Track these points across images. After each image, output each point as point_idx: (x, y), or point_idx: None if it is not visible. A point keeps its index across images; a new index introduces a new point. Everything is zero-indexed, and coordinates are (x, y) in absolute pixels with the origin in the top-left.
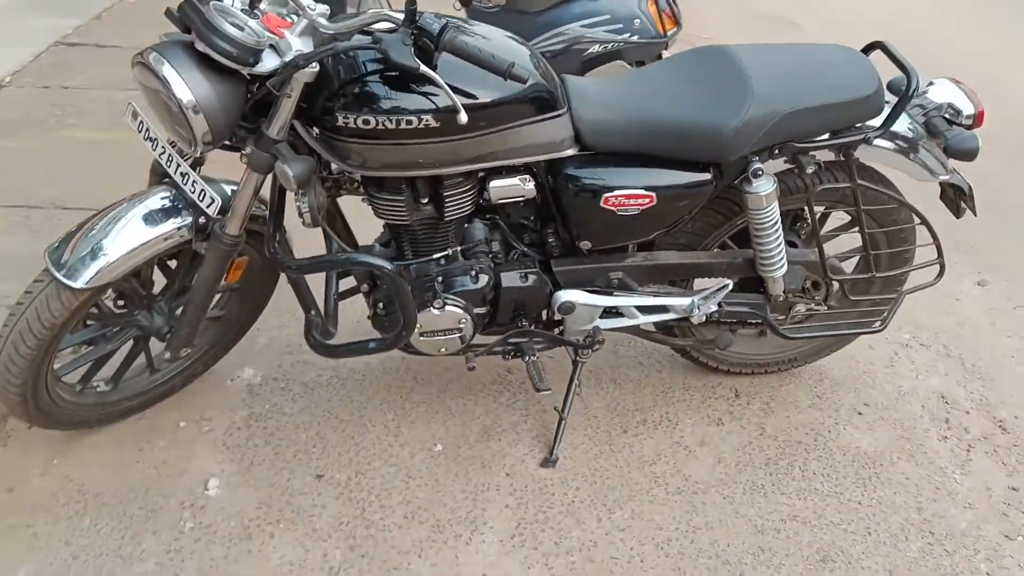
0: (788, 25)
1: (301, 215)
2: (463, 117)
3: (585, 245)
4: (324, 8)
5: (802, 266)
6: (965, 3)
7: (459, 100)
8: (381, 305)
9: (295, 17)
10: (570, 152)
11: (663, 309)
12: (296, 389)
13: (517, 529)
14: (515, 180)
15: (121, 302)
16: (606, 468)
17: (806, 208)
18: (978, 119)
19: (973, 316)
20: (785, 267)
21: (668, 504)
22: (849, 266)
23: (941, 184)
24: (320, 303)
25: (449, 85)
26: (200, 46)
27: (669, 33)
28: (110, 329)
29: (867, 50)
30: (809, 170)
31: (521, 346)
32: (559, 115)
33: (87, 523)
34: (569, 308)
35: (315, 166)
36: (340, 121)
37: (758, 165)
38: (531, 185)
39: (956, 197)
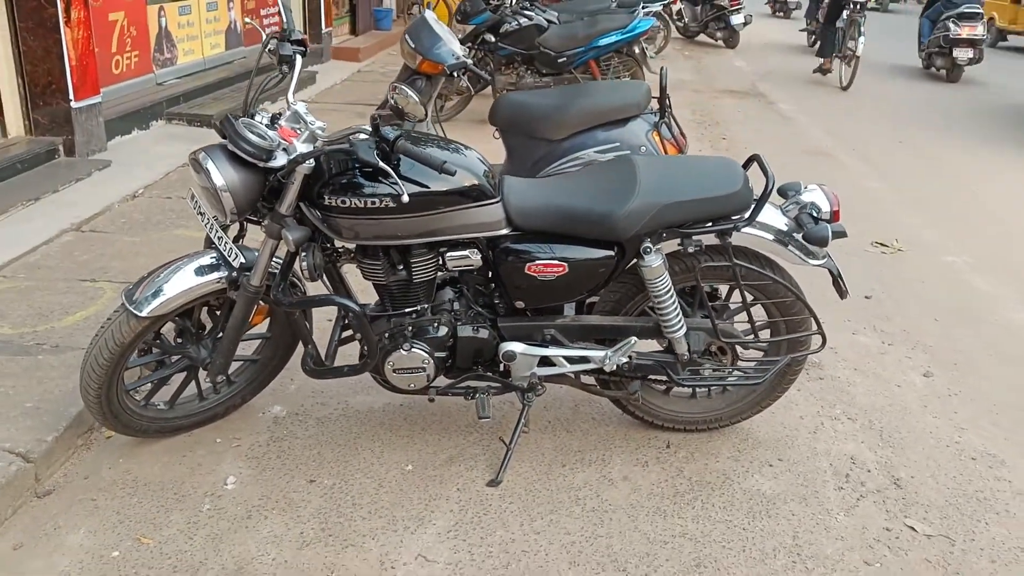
0: (827, 158)
1: (302, 271)
2: (405, 198)
3: (520, 305)
4: (322, 124)
5: (703, 331)
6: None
7: (413, 188)
8: (367, 349)
9: (301, 129)
10: (503, 231)
11: (584, 360)
12: (311, 422)
13: (454, 527)
14: (465, 252)
15: (179, 338)
16: (539, 490)
17: (708, 283)
18: (834, 216)
19: (908, 400)
20: (683, 330)
21: (581, 518)
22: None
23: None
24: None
25: (407, 177)
26: (231, 147)
27: None
28: (168, 357)
29: (747, 163)
30: (691, 250)
31: (478, 388)
32: (493, 203)
33: (134, 501)
34: (511, 356)
35: (310, 235)
36: (327, 201)
37: (648, 244)
38: (477, 256)
39: (835, 280)
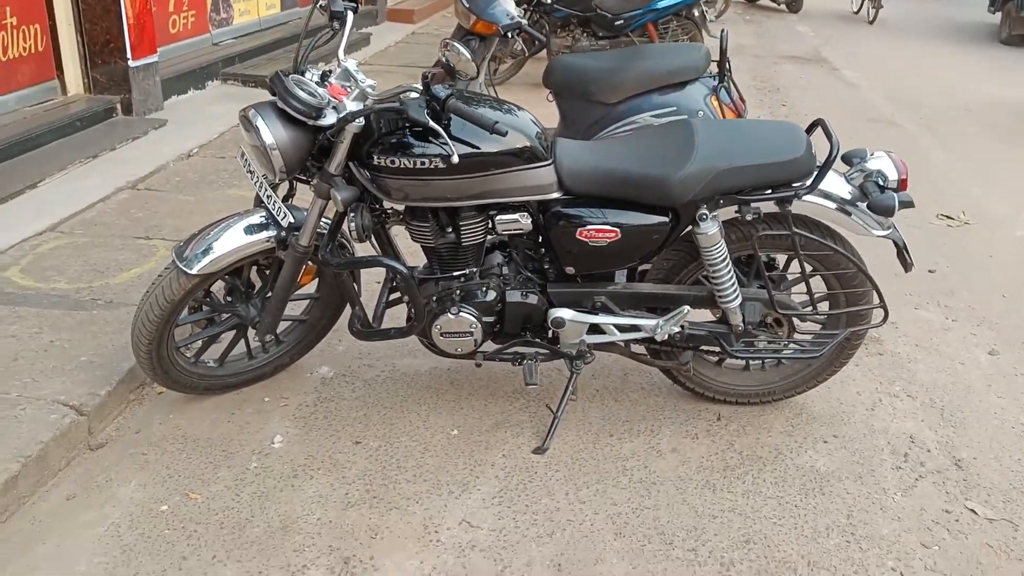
0: (891, 127)
1: (351, 232)
2: (455, 159)
3: (570, 271)
4: (373, 82)
5: (758, 302)
6: None
7: (464, 149)
8: (413, 310)
9: (352, 87)
10: (555, 195)
11: (635, 328)
12: (358, 383)
13: (499, 493)
14: (515, 216)
15: (229, 296)
16: (585, 459)
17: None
18: (902, 184)
19: (971, 379)
20: (739, 300)
21: (628, 489)
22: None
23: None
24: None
25: (457, 138)
26: (281, 105)
27: None
28: (218, 315)
29: (810, 128)
30: (749, 218)
31: (525, 355)
32: (545, 165)
33: (183, 456)
34: (560, 323)
35: (359, 195)
36: (376, 161)
37: (704, 211)
38: (528, 221)
39: (900, 252)
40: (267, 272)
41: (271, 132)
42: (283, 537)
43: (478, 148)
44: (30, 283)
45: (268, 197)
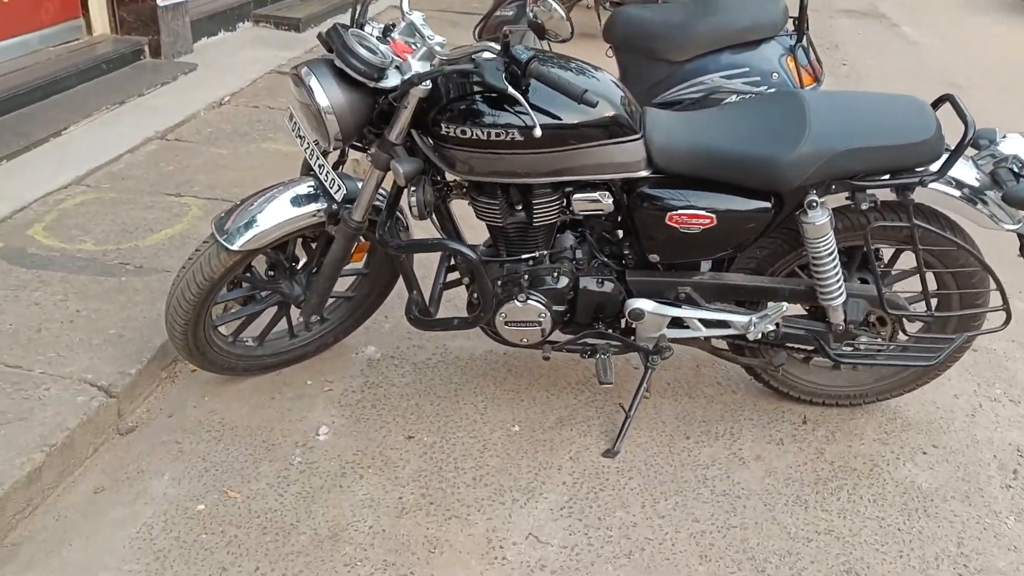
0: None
1: (411, 208)
2: (537, 132)
3: (654, 258)
4: (441, 39)
5: (864, 299)
6: None
7: (544, 119)
8: (476, 295)
9: (418, 44)
10: (643, 173)
11: (724, 324)
12: (407, 367)
13: (568, 503)
14: (595, 195)
15: (272, 271)
16: (661, 465)
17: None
18: None
19: None
20: (843, 297)
21: (711, 503)
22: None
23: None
24: (428, 291)
25: (537, 107)
26: (338, 63)
27: (807, 88)
28: (259, 292)
29: (937, 103)
30: (864, 207)
31: (596, 346)
32: (634, 139)
33: (220, 447)
34: (639, 315)
35: (422, 168)
36: (444, 130)
37: (814, 197)
38: (609, 201)
39: None
40: (313, 245)
41: (326, 94)
42: (332, 547)
43: (559, 118)
44: (55, 243)
45: (320, 166)
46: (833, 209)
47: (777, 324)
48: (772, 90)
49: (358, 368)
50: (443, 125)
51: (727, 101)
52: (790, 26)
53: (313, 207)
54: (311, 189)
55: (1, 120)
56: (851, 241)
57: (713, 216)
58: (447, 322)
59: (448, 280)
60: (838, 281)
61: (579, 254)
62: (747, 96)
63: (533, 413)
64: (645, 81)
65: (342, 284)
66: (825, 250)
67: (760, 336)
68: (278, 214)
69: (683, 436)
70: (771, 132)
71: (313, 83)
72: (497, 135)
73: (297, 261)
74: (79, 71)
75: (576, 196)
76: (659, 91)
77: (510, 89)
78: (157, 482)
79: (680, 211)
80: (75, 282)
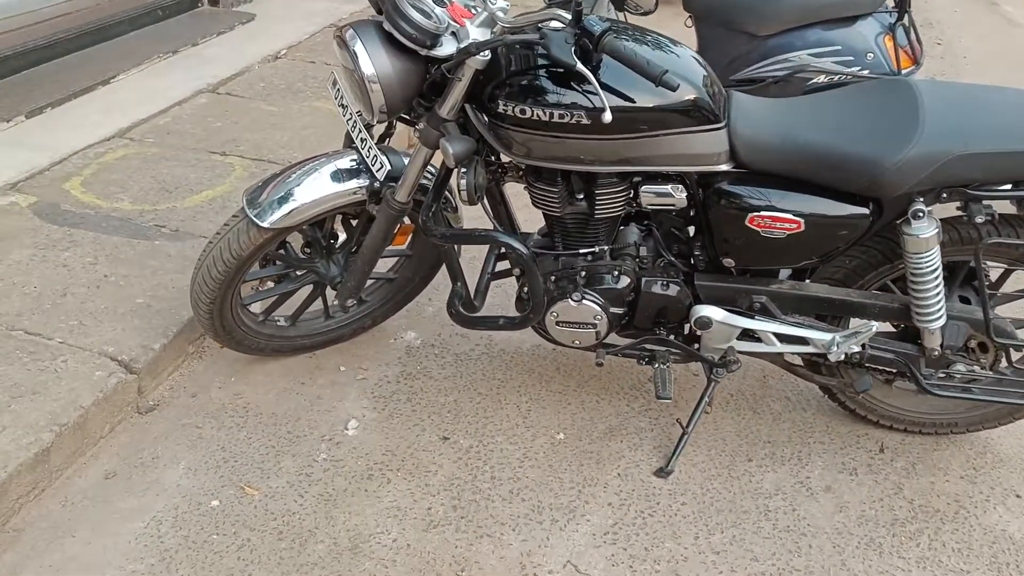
0: None
1: (460, 191)
2: (607, 116)
3: (728, 263)
4: (504, 4)
5: (965, 323)
6: None
7: (615, 101)
8: (526, 289)
9: (477, 9)
10: (724, 167)
11: (802, 341)
12: (448, 357)
13: (612, 527)
14: (667, 188)
15: (308, 249)
16: (718, 490)
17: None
18: None
19: None
20: (943, 320)
21: (772, 539)
22: None
23: None
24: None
25: (608, 87)
26: (387, 26)
27: (904, 72)
28: (293, 271)
29: None
30: (979, 220)
31: (655, 353)
32: (716, 129)
33: (243, 435)
34: (706, 323)
35: (475, 148)
36: (501, 108)
37: (921, 206)
38: (683, 195)
39: None
40: (354, 223)
41: (372, 61)
42: (351, 560)
43: (633, 101)
44: (91, 199)
45: (362, 140)
46: (941, 220)
47: (863, 345)
48: (865, 72)
49: (395, 356)
50: (501, 102)
51: (813, 82)
52: (890, 2)
53: (354, 183)
54: (353, 163)
55: (48, 66)
56: (957, 256)
57: (801, 221)
58: (492, 321)
59: (497, 270)
60: (939, 301)
61: (643, 251)
62: (836, 78)
63: (581, 419)
64: (724, 55)
65: (383, 264)
66: (928, 267)
67: (843, 357)
68: (315, 190)
69: (745, 458)
70: (876, 128)
71: (358, 48)
72: (561, 116)
73: (336, 238)
74: (132, 17)
75: (645, 188)
76: (738, 67)
77: (579, 65)
78: (172, 471)
79: (763, 213)
80: (107, 244)
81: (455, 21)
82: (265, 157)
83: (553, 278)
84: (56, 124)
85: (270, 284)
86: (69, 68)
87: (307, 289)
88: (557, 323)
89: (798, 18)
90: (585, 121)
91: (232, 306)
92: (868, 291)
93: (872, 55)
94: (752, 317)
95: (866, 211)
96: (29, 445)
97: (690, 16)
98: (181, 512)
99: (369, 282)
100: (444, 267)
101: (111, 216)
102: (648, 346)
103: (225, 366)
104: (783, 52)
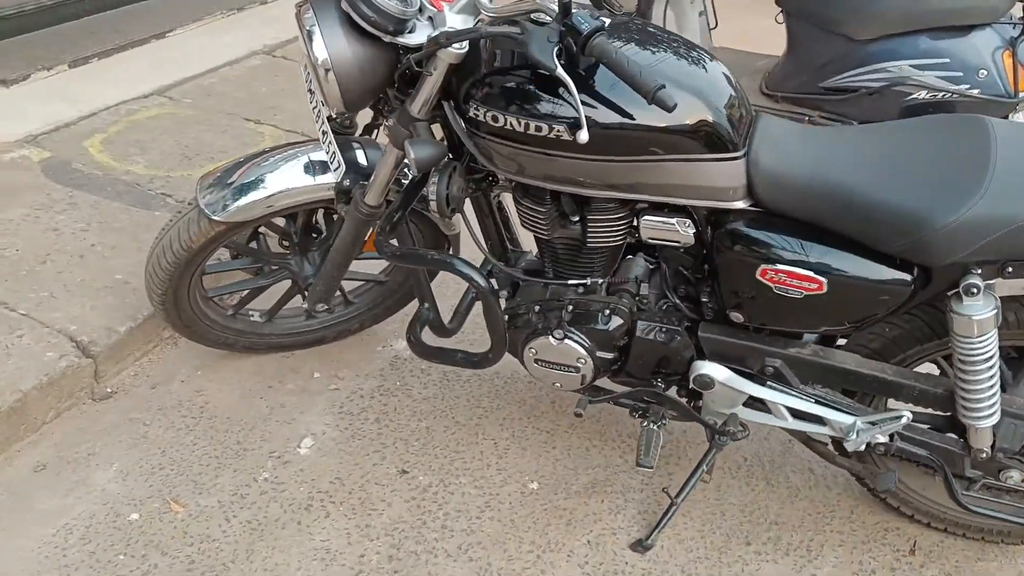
0: None
1: (428, 201)
2: (583, 136)
3: (736, 317)
4: None
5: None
6: None
7: (605, 116)
8: (492, 338)
9: None
10: (739, 205)
11: (818, 420)
12: (434, 375)
13: None
14: (671, 221)
15: (285, 243)
16: None
17: None
18: None
19: None
20: (996, 417)
21: None
22: None
23: None
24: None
25: (599, 97)
26: (345, 6)
27: (1022, 94)
28: (267, 265)
29: None
30: None
31: (649, 408)
32: (732, 159)
33: (189, 439)
34: (707, 383)
35: (444, 154)
36: (472, 112)
37: (976, 280)
38: (690, 231)
39: None
40: (335, 218)
41: (326, 45)
42: None
43: (630, 117)
44: (105, 160)
45: (323, 133)
46: (1004, 297)
47: (891, 436)
48: (975, 91)
49: (377, 367)
50: (473, 104)
51: (913, 97)
52: (1016, 11)
53: (326, 179)
54: (327, 156)
55: (108, 15)
56: (1019, 341)
57: (823, 281)
58: (450, 355)
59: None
60: (992, 395)
61: (645, 290)
62: (941, 96)
63: (562, 468)
64: (816, 58)
65: (375, 266)
66: (980, 354)
67: (863, 447)
68: (280, 183)
69: (743, 540)
70: (931, 176)
71: (313, 29)
72: (537, 128)
73: (320, 233)
74: None
75: (646, 219)
76: (830, 73)
77: (559, 70)
78: (102, 472)
79: (777, 266)
80: (105, 210)
81: (432, 5)
82: (298, 128)
83: (536, 308)
84: (98, 76)
85: (247, 277)
86: (128, 18)
87: (285, 284)
88: (536, 360)
89: (903, 23)
90: (566, 136)
91: (191, 298)
92: (908, 369)
93: (985, 72)
94: (763, 383)
95: (908, 278)
96: None
97: (782, 11)
98: (96, 522)
99: (359, 284)
100: (444, 270)
101: (119, 180)
102: (643, 399)
103: (194, 358)
104: (882, 60)
